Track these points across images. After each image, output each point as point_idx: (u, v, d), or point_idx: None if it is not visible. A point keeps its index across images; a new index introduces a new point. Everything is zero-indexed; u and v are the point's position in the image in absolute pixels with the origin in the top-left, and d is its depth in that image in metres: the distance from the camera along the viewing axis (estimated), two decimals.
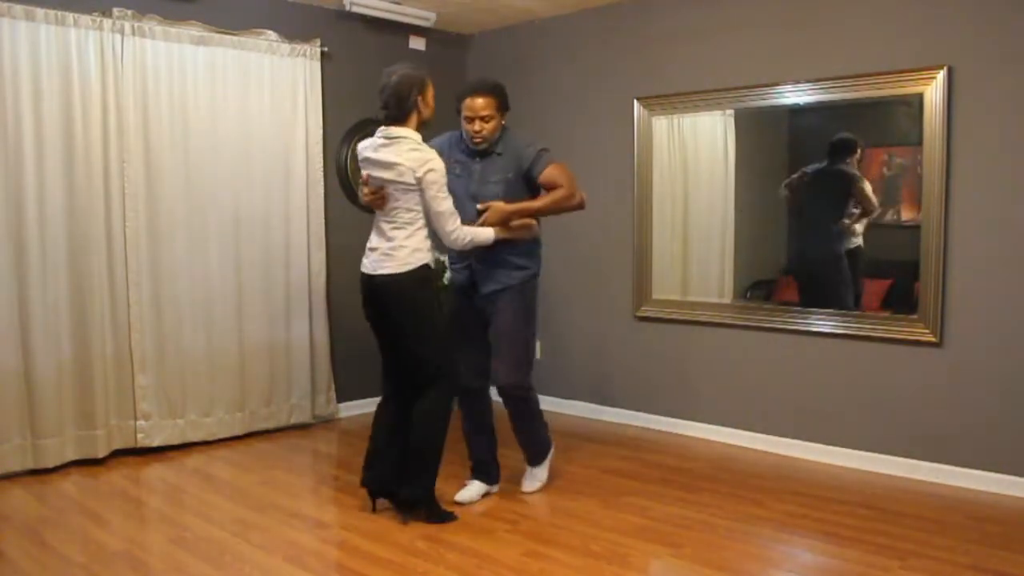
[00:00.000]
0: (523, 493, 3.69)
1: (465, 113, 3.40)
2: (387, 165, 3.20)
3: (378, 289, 3.26)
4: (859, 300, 4.09)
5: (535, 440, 3.74)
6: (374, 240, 3.32)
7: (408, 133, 3.21)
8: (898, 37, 3.84)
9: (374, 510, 3.46)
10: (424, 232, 3.26)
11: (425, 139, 3.30)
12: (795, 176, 4.27)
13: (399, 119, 3.22)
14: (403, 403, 3.39)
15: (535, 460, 3.77)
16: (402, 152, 3.18)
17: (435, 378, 3.31)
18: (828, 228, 4.19)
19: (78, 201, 4.04)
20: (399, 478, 3.37)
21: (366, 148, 3.31)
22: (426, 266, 3.27)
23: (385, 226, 3.27)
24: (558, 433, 4.76)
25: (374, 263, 3.28)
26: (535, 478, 3.76)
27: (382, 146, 3.24)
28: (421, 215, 3.24)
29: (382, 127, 3.27)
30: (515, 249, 3.44)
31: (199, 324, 4.45)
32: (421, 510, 3.34)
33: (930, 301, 3.80)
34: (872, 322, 4.01)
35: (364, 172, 3.31)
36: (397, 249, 3.22)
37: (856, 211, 4.07)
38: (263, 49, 4.60)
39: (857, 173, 4.05)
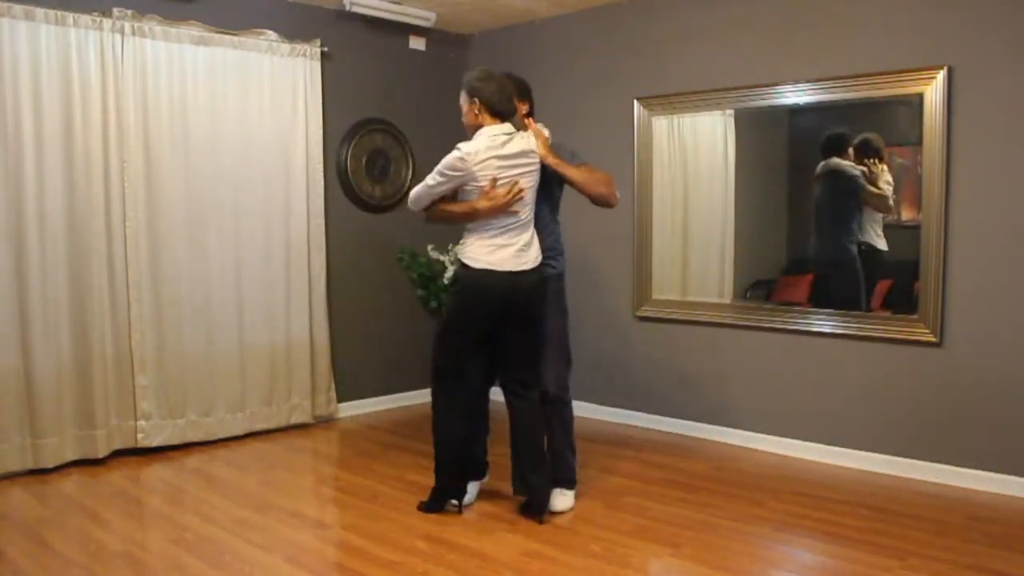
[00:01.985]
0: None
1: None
2: (524, 154, 3.24)
3: (523, 284, 3.27)
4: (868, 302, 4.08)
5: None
6: (503, 239, 3.26)
7: (511, 128, 3.28)
8: (898, 37, 3.84)
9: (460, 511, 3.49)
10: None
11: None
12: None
13: (509, 117, 3.29)
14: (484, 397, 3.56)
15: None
16: (528, 140, 3.26)
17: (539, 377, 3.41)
18: (836, 229, 4.17)
19: (78, 201, 4.04)
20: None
21: (488, 148, 3.18)
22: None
23: (511, 225, 3.26)
24: None
25: (518, 259, 3.26)
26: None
27: (506, 142, 3.22)
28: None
29: (492, 127, 3.24)
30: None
31: (199, 324, 4.45)
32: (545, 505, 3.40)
33: (930, 301, 3.80)
34: (872, 322, 4.01)
35: (487, 175, 3.17)
36: (532, 245, 3.31)
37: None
38: (263, 49, 4.60)
39: (857, 174, 4.03)
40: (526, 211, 3.27)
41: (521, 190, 3.20)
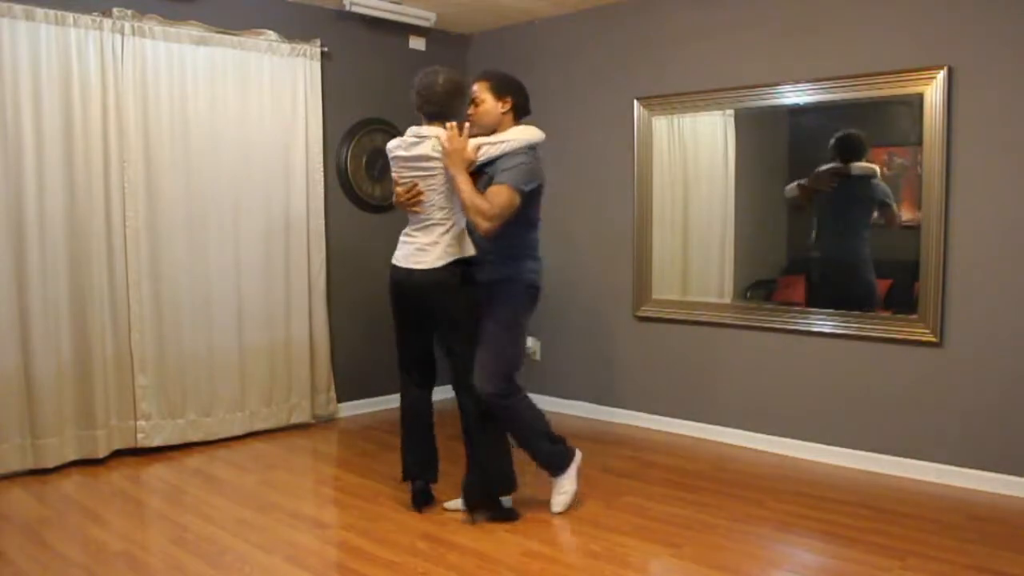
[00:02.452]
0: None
1: None
2: (423, 158, 3.21)
3: (416, 283, 3.29)
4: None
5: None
6: (410, 238, 3.34)
7: (441, 132, 3.22)
8: (898, 37, 3.84)
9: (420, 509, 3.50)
10: (456, 230, 3.27)
11: None
12: (812, 177, 4.19)
13: (438, 119, 3.25)
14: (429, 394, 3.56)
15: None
16: (433, 145, 3.21)
17: (469, 374, 3.33)
18: (855, 231, 4.16)
19: (78, 201, 4.04)
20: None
21: (397, 147, 3.32)
22: (459, 262, 3.26)
23: (418, 226, 3.31)
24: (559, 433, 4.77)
25: (414, 257, 3.29)
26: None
27: (413, 144, 3.24)
28: (455, 213, 3.26)
29: (414, 126, 3.29)
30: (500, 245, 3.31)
31: (199, 324, 4.45)
32: (485, 508, 3.39)
33: (930, 301, 3.80)
34: (872, 322, 4.01)
35: (395, 173, 3.35)
36: (436, 246, 3.26)
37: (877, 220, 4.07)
38: (263, 49, 4.60)
39: (892, 200, 3.96)
40: (428, 212, 3.25)
41: (420, 192, 3.23)
